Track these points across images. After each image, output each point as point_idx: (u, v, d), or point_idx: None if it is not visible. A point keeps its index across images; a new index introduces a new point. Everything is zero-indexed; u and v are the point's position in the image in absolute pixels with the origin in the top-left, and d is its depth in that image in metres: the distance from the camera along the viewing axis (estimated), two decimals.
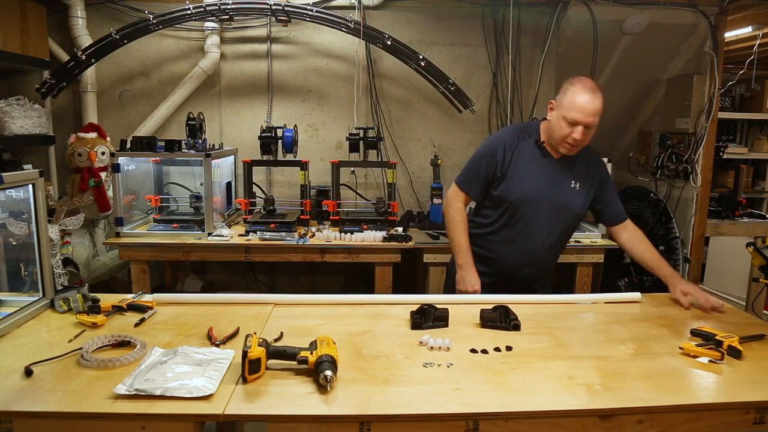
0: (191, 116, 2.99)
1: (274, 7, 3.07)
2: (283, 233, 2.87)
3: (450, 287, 2.19)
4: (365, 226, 2.96)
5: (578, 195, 2.01)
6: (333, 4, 3.37)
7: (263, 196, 3.17)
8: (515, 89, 3.57)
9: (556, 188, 1.99)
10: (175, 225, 2.94)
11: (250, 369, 1.24)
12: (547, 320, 1.69)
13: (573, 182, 2.01)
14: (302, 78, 3.56)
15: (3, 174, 1.54)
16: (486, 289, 2.03)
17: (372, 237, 2.83)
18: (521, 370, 1.34)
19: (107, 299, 1.74)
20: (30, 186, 1.67)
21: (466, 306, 1.77)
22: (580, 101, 1.86)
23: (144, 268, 2.78)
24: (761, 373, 1.34)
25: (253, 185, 3.18)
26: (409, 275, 3.37)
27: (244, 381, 1.24)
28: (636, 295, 1.91)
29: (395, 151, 3.60)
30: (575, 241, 2.91)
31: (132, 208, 3.05)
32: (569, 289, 3.02)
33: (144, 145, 2.83)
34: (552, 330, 1.61)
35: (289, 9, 3.09)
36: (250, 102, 3.57)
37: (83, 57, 3.04)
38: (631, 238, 2.08)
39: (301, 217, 3.07)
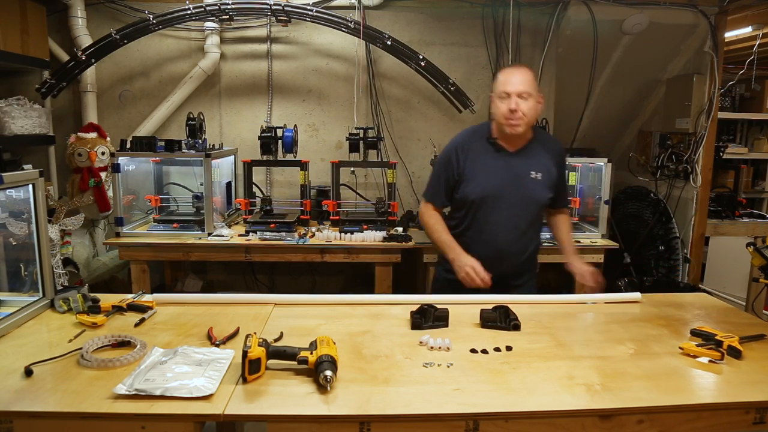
0: (191, 116, 2.99)
1: (274, 7, 3.07)
2: (283, 233, 2.87)
3: (438, 288, 2.20)
4: (365, 226, 2.96)
5: (539, 184, 2.03)
6: (333, 4, 3.37)
7: (261, 196, 3.17)
8: None
9: (515, 181, 2.01)
10: (175, 225, 2.94)
11: (250, 369, 1.24)
12: (547, 320, 1.69)
13: (533, 172, 2.02)
14: (302, 78, 3.56)
15: (3, 174, 1.54)
16: (462, 289, 2.02)
17: (372, 237, 2.83)
18: (521, 370, 1.34)
19: (107, 299, 1.74)
20: (30, 186, 1.67)
21: (466, 306, 1.77)
22: (505, 76, 1.96)
23: (144, 268, 2.78)
24: (761, 373, 1.34)
25: (253, 185, 3.18)
26: (409, 275, 3.37)
27: (244, 381, 1.24)
28: (636, 295, 1.91)
29: (395, 151, 3.60)
30: (575, 241, 2.91)
31: (132, 208, 3.05)
32: (569, 289, 3.01)
33: (144, 145, 2.83)
34: (552, 330, 1.61)
35: (289, 9, 3.09)
36: (250, 102, 3.57)
37: (83, 57, 3.04)
38: (559, 219, 2.23)
39: (301, 217, 3.07)
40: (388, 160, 3.50)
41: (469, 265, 1.96)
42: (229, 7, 3.06)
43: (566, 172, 2.19)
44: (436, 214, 2.13)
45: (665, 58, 3.70)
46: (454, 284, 2.03)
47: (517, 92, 1.91)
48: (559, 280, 3.67)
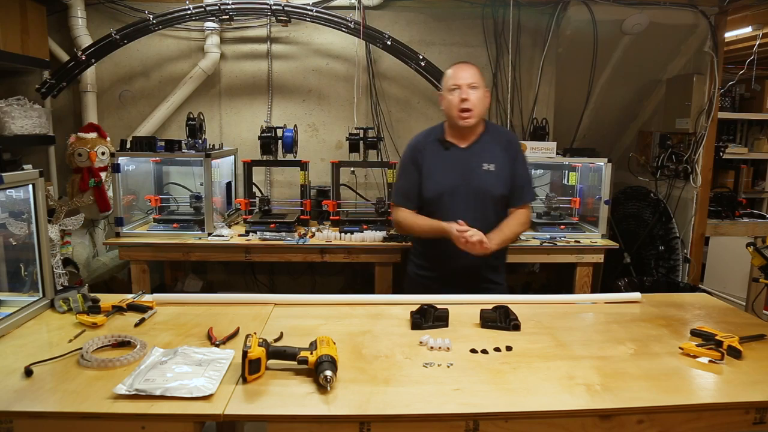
0: (191, 116, 2.99)
1: (274, 7, 3.07)
2: (283, 233, 2.87)
3: (411, 286, 2.19)
4: (365, 226, 2.96)
5: (493, 176, 2.04)
6: (333, 4, 3.37)
7: (260, 196, 3.17)
8: (515, 89, 3.57)
9: (467, 175, 2.03)
10: (175, 225, 2.94)
11: (250, 369, 1.24)
12: (547, 320, 1.69)
13: (485, 165, 2.04)
14: (302, 78, 3.56)
15: (3, 174, 1.54)
16: (433, 285, 2.07)
17: (372, 237, 2.83)
18: (521, 370, 1.34)
19: (107, 299, 1.74)
20: (30, 186, 1.67)
21: (466, 306, 1.77)
22: (453, 71, 2.03)
23: (144, 268, 2.78)
24: (761, 373, 1.34)
25: (253, 185, 3.18)
26: None
27: (244, 381, 1.24)
28: (636, 295, 1.91)
29: (395, 151, 3.60)
30: (575, 241, 2.91)
31: (132, 208, 3.05)
32: (569, 289, 3.01)
33: (144, 145, 2.83)
34: (552, 330, 1.61)
35: (289, 9, 3.09)
36: (250, 102, 3.57)
37: (83, 57, 3.04)
38: (509, 215, 2.10)
39: (301, 217, 3.07)
40: (388, 160, 3.50)
41: (454, 228, 1.93)
42: (229, 7, 3.06)
43: (525, 165, 2.13)
44: (409, 211, 2.15)
45: (665, 58, 3.70)
46: (427, 281, 2.08)
47: (467, 83, 1.98)
48: (559, 281, 3.67)
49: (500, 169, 2.05)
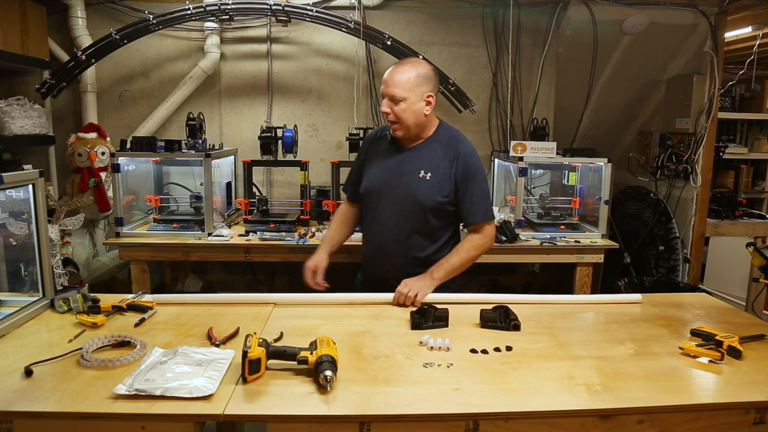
0: (191, 116, 2.99)
1: (274, 7, 3.07)
2: (283, 233, 2.87)
3: (359, 285, 2.14)
4: None
5: (426, 185, 1.89)
6: (333, 4, 3.37)
7: (258, 196, 3.17)
8: (515, 89, 3.57)
9: (398, 178, 1.92)
10: (175, 225, 2.94)
11: (250, 369, 1.24)
12: (547, 320, 1.69)
13: (422, 172, 1.90)
14: (302, 78, 3.56)
15: (3, 174, 1.54)
16: (369, 283, 2.02)
17: None
18: (521, 370, 1.34)
19: (107, 299, 1.74)
20: (30, 186, 1.67)
21: (466, 306, 1.77)
22: (385, 75, 1.87)
23: (144, 268, 2.78)
24: (761, 373, 1.34)
25: (253, 185, 3.18)
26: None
27: (244, 381, 1.24)
28: (636, 297, 1.91)
29: None
30: (575, 241, 2.91)
31: (132, 208, 3.04)
32: (569, 290, 3.01)
33: (144, 145, 2.83)
34: (552, 330, 1.61)
35: (289, 9, 3.09)
36: (250, 102, 3.57)
37: (83, 57, 3.04)
38: (462, 239, 1.99)
39: (301, 217, 3.07)
40: None
41: (309, 266, 1.98)
42: (229, 7, 3.06)
43: (480, 181, 1.94)
44: (343, 208, 2.16)
45: (665, 58, 3.70)
46: (369, 290, 1.93)
47: (389, 95, 1.85)
48: (559, 281, 3.67)
49: (439, 180, 1.90)
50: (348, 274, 2.28)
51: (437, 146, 1.95)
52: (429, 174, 1.91)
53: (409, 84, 1.83)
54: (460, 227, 2.09)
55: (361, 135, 3.07)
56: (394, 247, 1.95)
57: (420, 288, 1.80)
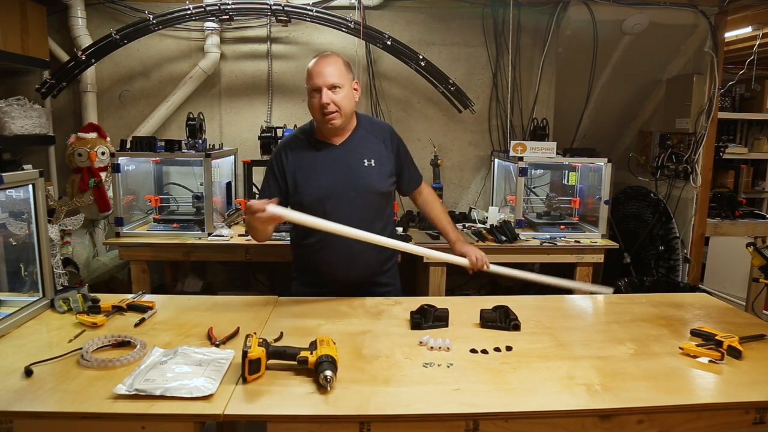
0: (191, 116, 2.99)
1: (274, 7, 3.07)
2: (283, 233, 2.87)
3: (295, 289, 2.07)
4: None
5: (376, 172, 1.90)
6: (333, 4, 3.37)
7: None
8: (515, 89, 3.57)
9: (347, 174, 1.88)
10: (175, 225, 2.94)
11: (250, 369, 1.24)
12: (547, 320, 1.69)
13: (365, 161, 1.90)
14: (302, 78, 3.51)
15: (3, 174, 1.54)
16: (322, 293, 1.93)
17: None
18: (521, 370, 1.34)
19: (107, 299, 1.75)
20: (30, 186, 1.67)
21: (466, 306, 1.77)
22: (314, 68, 1.84)
23: (144, 268, 2.78)
24: (761, 373, 1.34)
25: (253, 185, 3.18)
26: (409, 275, 3.37)
27: (244, 381, 1.24)
28: (608, 290, 1.98)
29: None
30: (575, 241, 2.91)
31: (132, 208, 3.05)
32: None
33: (144, 145, 2.83)
34: (552, 330, 1.61)
35: (289, 9, 3.09)
36: (250, 102, 3.57)
37: (83, 57, 3.04)
38: (424, 201, 2.16)
39: None
40: None
41: (252, 208, 1.67)
42: (229, 7, 3.06)
43: (407, 151, 2.07)
44: None
45: (665, 58, 3.70)
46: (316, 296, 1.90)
47: (327, 85, 1.80)
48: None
49: (382, 164, 1.93)
50: None
51: (365, 133, 1.96)
52: (372, 161, 1.92)
53: (342, 71, 1.84)
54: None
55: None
56: (362, 243, 1.81)
57: (482, 253, 1.98)
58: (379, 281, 2.01)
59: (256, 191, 3.23)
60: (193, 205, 3.12)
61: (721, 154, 3.89)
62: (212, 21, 3.32)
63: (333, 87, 1.81)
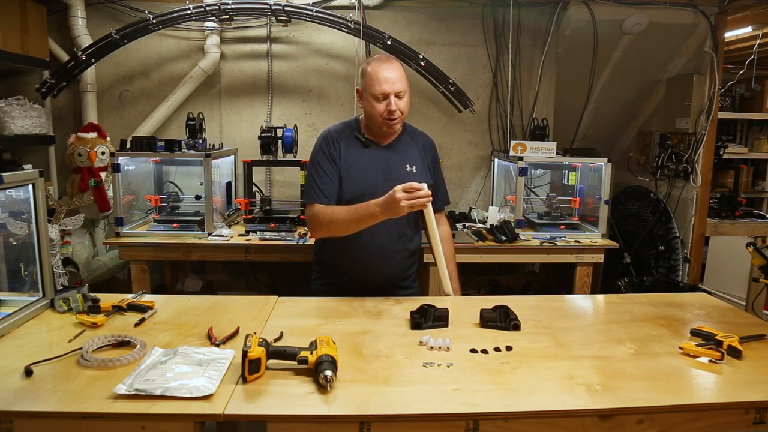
0: (191, 116, 2.99)
1: (274, 7, 3.07)
2: (283, 233, 2.87)
3: (317, 288, 2.04)
4: None
5: (416, 178, 1.85)
6: (333, 4, 3.37)
7: (261, 196, 3.17)
8: (515, 89, 3.57)
9: (390, 175, 1.87)
10: (175, 225, 2.94)
11: (250, 369, 1.24)
12: (547, 320, 1.69)
13: (407, 166, 1.93)
14: (302, 78, 3.56)
15: (3, 174, 1.54)
16: (346, 293, 1.89)
17: None
18: (521, 370, 1.34)
19: (107, 299, 1.74)
20: (30, 186, 1.67)
21: (466, 306, 1.77)
22: (381, 74, 1.82)
23: (144, 268, 2.78)
24: (761, 373, 1.34)
25: (253, 185, 3.18)
26: None
27: (244, 381, 1.24)
28: (449, 289, 1.91)
29: None
30: (575, 241, 2.91)
31: (132, 208, 3.05)
32: (569, 290, 3.02)
33: (144, 145, 2.83)
34: (552, 330, 1.61)
35: (289, 9, 3.09)
36: (250, 102, 3.57)
37: (83, 57, 3.04)
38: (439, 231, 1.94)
39: (301, 217, 3.07)
40: None
41: (398, 195, 1.64)
42: (229, 7, 3.06)
43: (439, 167, 2.09)
44: (323, 207, 1.85)
45: (665, 58, 3.70)
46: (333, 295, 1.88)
47: (395, 92, 1.81)
48: (559, 281, 3.67)
49: (421, 172, 1.95)
50: None
51: (409, 139, 1.99)
52: (414, 167, 1.94)
53: (404, 76, 1.86)
54: None
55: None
56: (396, 245, 1.93)
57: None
58: (403, 284, 2.03)
59: (257, 191, 3.23)
60: (178, 200, 3.12)
61: (721, 154, 3.89)
62: (212, 21, 3.32)
63: (400, 93, 1.83)
